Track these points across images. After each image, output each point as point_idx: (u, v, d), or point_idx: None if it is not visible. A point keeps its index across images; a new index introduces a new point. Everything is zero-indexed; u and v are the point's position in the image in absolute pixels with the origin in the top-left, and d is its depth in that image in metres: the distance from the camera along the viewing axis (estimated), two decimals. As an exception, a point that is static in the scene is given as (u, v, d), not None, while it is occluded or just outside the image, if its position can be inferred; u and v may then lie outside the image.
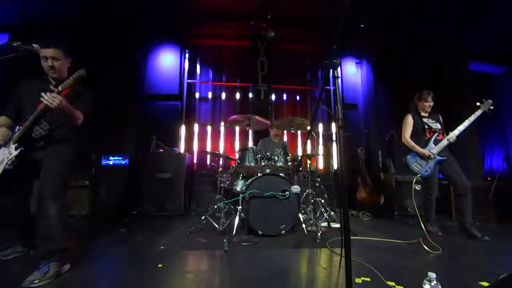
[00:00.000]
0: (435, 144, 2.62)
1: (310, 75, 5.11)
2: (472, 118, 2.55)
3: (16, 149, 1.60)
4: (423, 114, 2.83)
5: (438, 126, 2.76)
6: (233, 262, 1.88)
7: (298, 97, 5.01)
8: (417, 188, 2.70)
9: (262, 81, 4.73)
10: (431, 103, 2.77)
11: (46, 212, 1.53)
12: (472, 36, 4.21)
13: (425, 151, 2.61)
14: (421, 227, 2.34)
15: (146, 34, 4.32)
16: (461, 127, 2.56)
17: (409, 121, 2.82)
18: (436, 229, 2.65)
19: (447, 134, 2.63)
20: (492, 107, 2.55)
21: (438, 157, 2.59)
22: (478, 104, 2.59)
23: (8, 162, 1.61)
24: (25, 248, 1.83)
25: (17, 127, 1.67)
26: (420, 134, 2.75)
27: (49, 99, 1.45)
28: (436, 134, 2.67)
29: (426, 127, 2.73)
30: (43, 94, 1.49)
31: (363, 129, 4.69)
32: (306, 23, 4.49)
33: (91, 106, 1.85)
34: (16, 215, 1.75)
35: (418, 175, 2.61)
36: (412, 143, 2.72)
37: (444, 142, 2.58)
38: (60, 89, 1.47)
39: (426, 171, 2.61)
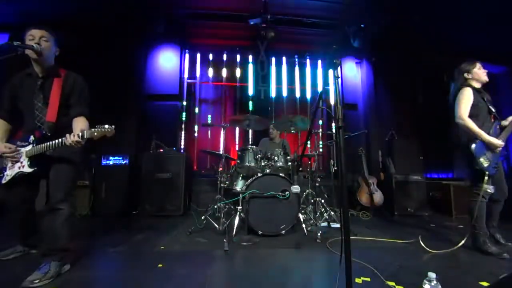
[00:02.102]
0: (501, 132, 2.04)
1: (310, 75, 5.10)
2: None
3: (30, 166, 1.59)
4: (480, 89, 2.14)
5: (493, 109, 2.12)
6: (233, 262, 1.88)
7: (298, 97, 5.01)
8: (489, 190, 1.97)
9: (262, 81, 4.73)
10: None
11: (55, 211, 1.54)
12: (472, 36, 4.21)
13: (498, 141, 1.95)
14: (459, 239, 2.00)
15: (146, 34, 4.32)
16: None
17: (469, 95, 2.05)
18: (496, 249, 1.93)
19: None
20: None
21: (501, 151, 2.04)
22: None
23: (19, 173, 1.60)
24: (25, 248, 1.83)
25: (31, 137, 1.61)
26: (485, 118, 2.06)
27: (72, 142, 1.45)
28: (498, 122, 2.09)
29: (492, 110, 2.07)
30: (67, 136, 1.45)
31: (363, 129, 4.69)
32: (306, 23, 4.49)
33: (89, 102, 1.78)
34: (21, 213, 1.74)
35: (486, 172, 1.96)
36: (475, 126, 1.99)
37: (507, 132, 2.03)
38: (85, 136, 1.44)
39: (494, 167, 1.98)
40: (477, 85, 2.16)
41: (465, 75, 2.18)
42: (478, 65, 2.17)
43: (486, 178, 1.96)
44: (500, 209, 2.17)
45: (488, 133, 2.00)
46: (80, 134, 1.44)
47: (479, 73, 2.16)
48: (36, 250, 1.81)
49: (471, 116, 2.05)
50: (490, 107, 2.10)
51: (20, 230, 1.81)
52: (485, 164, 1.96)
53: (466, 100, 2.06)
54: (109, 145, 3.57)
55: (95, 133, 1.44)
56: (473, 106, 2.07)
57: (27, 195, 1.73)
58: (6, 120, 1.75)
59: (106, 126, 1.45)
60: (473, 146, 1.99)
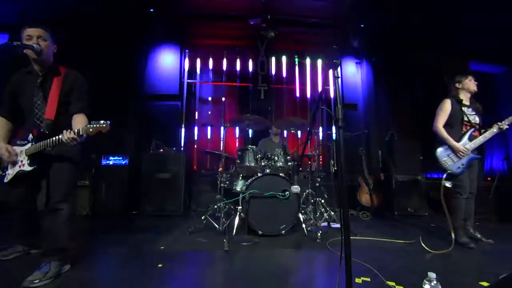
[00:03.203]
0: (470, 140, 2.31)
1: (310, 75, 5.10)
2: None
3: (30, 165, 1.59)
4: (465, 102, 2.42)
5: (477, 120, 2.40)
6: (233, 262, 1.87)
7: (298, 97, 5.01)
8: (447, 185, 2.31)
9: (262, 81, 4.73)
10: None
11: (55, 212, 1.54)
12: (472, 36, 4.21)
13: (459, 146, 2.25)
14: (450, 234, 2.17)
15: (146, 34, 4.32)
16: None
17: (447, 107, 2.38)
18: (466, 240, 2.23)
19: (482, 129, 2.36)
20: None
21: (472, 155, 2.30)
22: None
23: (20, 171, 1.60)
24: (25, 248, 1.83)
25: (29, 135, 1.60)
26: (457, 126, 2.37)
27: (68, 139, 1.44)
28: (472, 130, 2.34)
29: (465, 119, 2.36)
30: (64, 132, 1.44)
31: (363, 129, 4.69)
32: (306, 23, 4.49)
33: (88, 99, 1.77)
34: (22, 213, 1.74)
35: (448, 171, 2.29)
36: (445, 134, 2.32)
37: (480, 139, 2.30)
38: (81, 132, 1.44)
39: (459, 167, 2.28)
40: (465, 95, 2.44)
41: (456, 85, 2.45)
42: (470, 77, 2.44)
43: (445, 175, 2.29)
44: (471, 207, 2.40)
45: (457, 139, 2.30)
46: (76, 131, 1.44)
47: (469, 83, 2.43)
48: (36, 250, 1.81)
49: (447, 124, 2.37)
50: (469, 116, 2.37)
51: (20, 229, 1.80)
52: (448, 164, 2.29)
53: (443, 111, 2.40)
54: (109, 145, 3.60)
55: (90, 129, 1.44)
56: (450, 116, 2.38)
57: (28, 194, 1.73)
58: (7, 118, 1.75)
59: (102, 121, 1.45)
60: (439, 149, 2.35)
